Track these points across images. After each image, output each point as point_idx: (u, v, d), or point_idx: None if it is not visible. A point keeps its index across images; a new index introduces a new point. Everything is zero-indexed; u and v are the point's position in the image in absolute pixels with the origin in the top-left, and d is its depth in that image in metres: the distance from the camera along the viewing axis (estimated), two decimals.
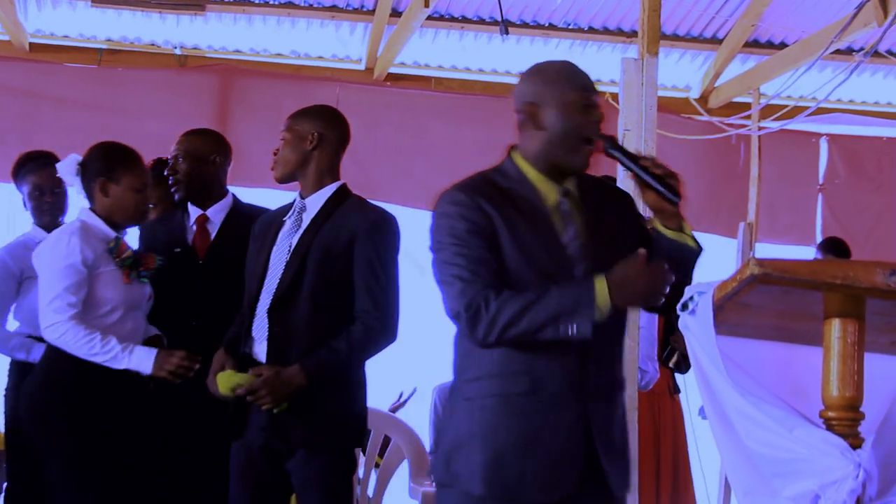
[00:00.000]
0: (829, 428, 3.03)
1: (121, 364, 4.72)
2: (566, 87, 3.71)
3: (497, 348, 3.50)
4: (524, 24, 8.95)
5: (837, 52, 8.02)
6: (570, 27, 9.01)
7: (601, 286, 3.38)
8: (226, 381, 4.43)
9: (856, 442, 3.00)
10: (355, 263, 4.50)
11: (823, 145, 10.02)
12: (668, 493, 6.73)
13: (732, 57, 9.21)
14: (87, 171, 4.95)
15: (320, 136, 4.57)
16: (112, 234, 4.86)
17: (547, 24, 8.98)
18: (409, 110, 9.30)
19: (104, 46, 9.03)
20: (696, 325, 3.14)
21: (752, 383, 3.13)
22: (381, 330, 4.56)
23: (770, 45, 9.26)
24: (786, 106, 8.50)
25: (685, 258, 3.63)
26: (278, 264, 4.52)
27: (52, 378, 4.80)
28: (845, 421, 3.04)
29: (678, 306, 3.22)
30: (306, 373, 4.39)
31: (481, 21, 8.90)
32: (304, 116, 4.64)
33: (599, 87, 9.36)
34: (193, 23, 8.90)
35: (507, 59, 9.36)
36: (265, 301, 4.50)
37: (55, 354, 4.78)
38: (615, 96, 5.48)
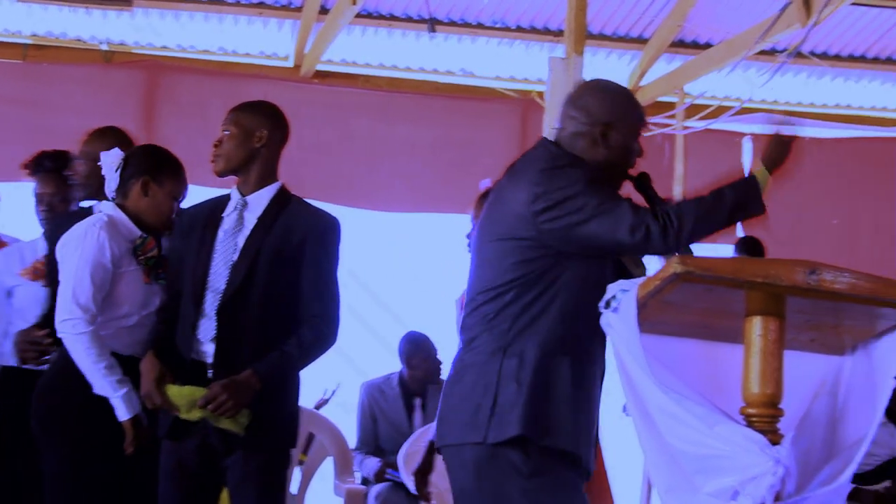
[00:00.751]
0: (750, 425, 3.07)
1: (103, 393, 4.63)
2: (636, 115, 3.91)
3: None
4: (452, 23, 8.96)
5: (761, 52, 8.11)
6: (498, 26, 9.03)
7: (760, 175, 3.84)
8: (182, 398, 4.34)
9: (775, 438, 3.04)
10: (304, 266, 4.45)
11: (747, 145, 10.09)
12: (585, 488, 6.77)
13: (658, 57, 9.27)
14: (132, 166, 4.83)
15: (269, 133, 4.50)
16: (138, 232, 4.77)
17: (475, 23, 8.99)
18: (337, 108, 9.28)
19: (30, 42, 8.95)
20: (619, 323, 3.16)
21: (674, 381, 3.16)
22: (329, 335, 4.53)
23: (695, 45, 9.33)
24: (710, 105, 8.57)
25: None
26: (223, 264, 4.44)
27: (69, 381, 4.73)
28: (765, 418, 3.08)
29: (601, 304, 3.25)
30: (259, 377, 4.33)
31: (409, 19, 8.90)
32: (251, 112, 4.56)
33: (528, 87, 9.45)
34: (120, 18, 8.83)
35: (435, 57, 9.37)
36: (212, 302, 4.42)
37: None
38: (542, 95, 5.52)
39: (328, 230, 4.54)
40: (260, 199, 4.51)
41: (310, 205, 4.62)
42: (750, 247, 8.61)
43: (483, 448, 3.61)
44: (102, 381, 4.58)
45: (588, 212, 3.58)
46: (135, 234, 4.74)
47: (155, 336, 4.56)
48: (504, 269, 3.65)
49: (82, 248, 4.66)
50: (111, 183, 4.85)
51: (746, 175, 3.78)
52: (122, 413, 4.59)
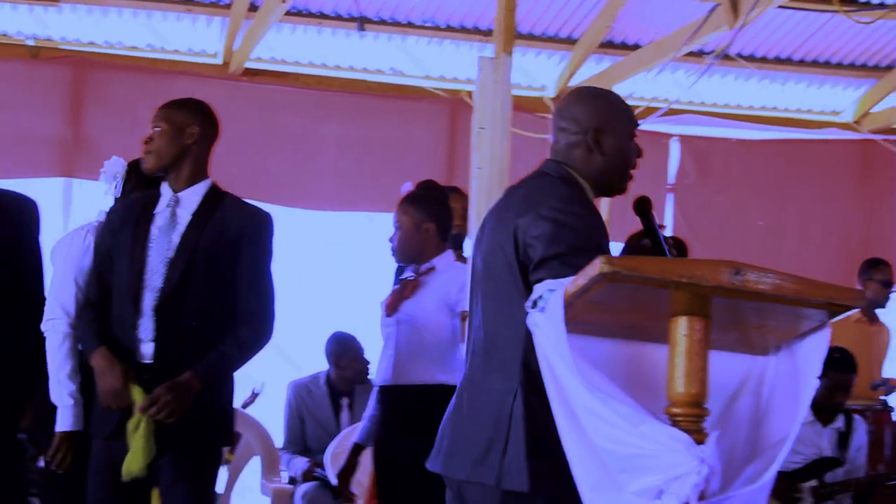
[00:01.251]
0: (675, 424, 3.08)
1: (54, 398, 4.64)
2: (627, 118, 3.89)
3: None
4: (382, 22, 8.96)
5: (690, 54, 8.17)
6: (428, 25, 9.03)
7: None
8: (142, 399, 4.31)
9: (700, 438, 3.05)
10: (241, 263, 4.46)
11: (674, 146, 10.17)
12: None
13: (587, 57, 9.31)
14: (135, 178, 4.88)
15: (200, 130, 4.50)
16: None
17: (405, 22, 9.00)
18: (266, 106, 9.26)
19: None
20: (545, 323, 3.16)
21: (600, 380, 3.16)
22: (266, 332, 4.55)
23: (624, 46, 9.38)
24: (638, 106, 8.60)
25: None
26: (159, 261, 4.41)
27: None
28: (690, 417, 3.09)
29: (528, 304, 3.26)
30: (200, 378, 4.33)
31: (339, 17, 8.88)
32: (182, 108, 4.55)
33: (457, 86, 9.47)
34: (47, 13, 8.76)
35: (365, 55, 9.37)
36: (150, 300, 4.39)
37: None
38: (471, 94, 5.52)
39: (262, 226, 4.55)
40: (192, 196, 4.50)
41: (242, 201, 4.63)
42: (673, 247, 8.66)
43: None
44: (58, 387, 4.62)
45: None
46: None
47: (99, 333, 4.49)
48: (514, 297, 3.61)
49: (68, 252, 4.75)
50: (114, 189, 4.91)
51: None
52: (63, 424, 4.60)
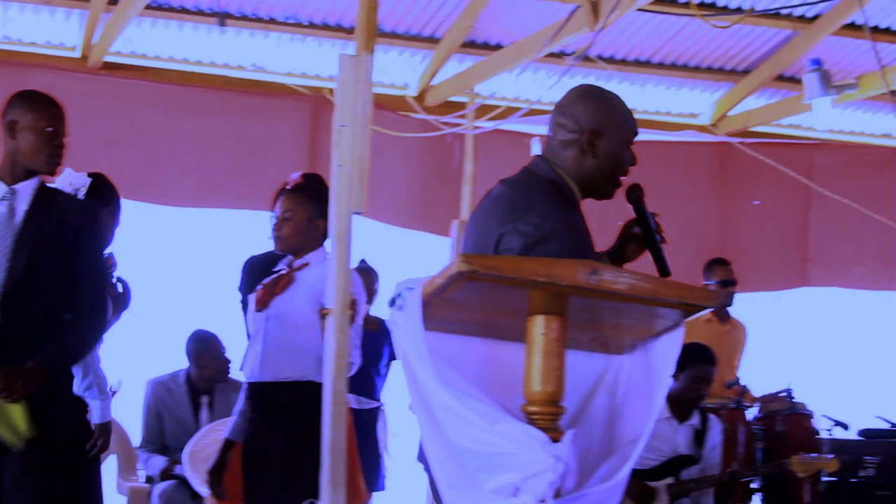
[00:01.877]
0: (531, 422, 3.10)
1: None
2: (627, 124, 3.87)
3: None
4: (244, 17, 8.89)
5: (551, 55, 8.23)
6: (290, 21, 8.98)
7: None
8: None
9: (556, 436, 3.08)
10: (80, 255, 4.47)
11: (535, 146, 10.23)
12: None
13: (449, 56, 9.33)
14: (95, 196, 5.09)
15: (13, 122, 4.49)
16: None
17: (267, 18, 8.94)
18: (125, 100, 9.12)
19: None
20: (403, 321, 3.17)
21: (457, 378, 3.18)
22: (104, 323, 4.60)
23: (486, 46, 9.42)
24: (500, 106, 8.67)
25: None
26: (1, 254, 4.39)
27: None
28: (546, 415, 3.12)
29: (388, 302, 3.26)
30: (44, 368, 4.31)
31: (200, 12, 8.78)
32: (7, 104, 4.56)
33: (319, 84, 9.41)
34: None
35: (226, 51, 9.28)
36: None
37: None
38: (333, 92, 5.50)
39: (98, 221, 4.63)
40: (27, 189, 4.50)
41: (73, 195, 4.74)
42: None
43: None
44: None
45: None
46: None
47: None
48: None
49: None
50: None
51: None
52: None
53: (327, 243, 5.55)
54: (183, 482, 7.23)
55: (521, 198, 3.68)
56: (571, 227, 3.68)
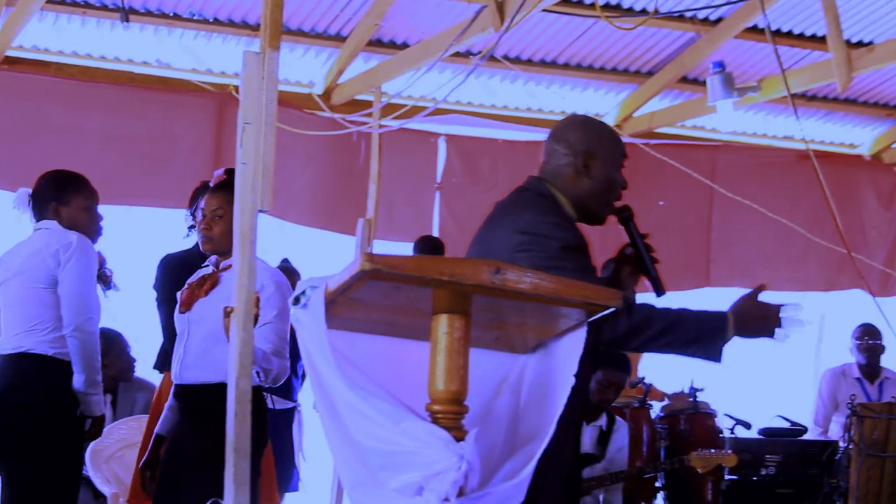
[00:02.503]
0: (435, 421, 3.10)
1: None
2: (617, 148, 4.18)
3: None
4: (148, 13, 8.80)
5: (457, 54, 8.24)
6: (195, 18, 8.92)
7: (731, 318, 3.99)
8: None
9: (459, 435, 3.08)
10: None
11: (442, 145, 10.26)
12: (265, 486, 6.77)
13: (356, 55, 9.31)
14: (37, 200, 5.72)
15: None
16: None
17: (171, 14, 8.86)
18: (27, 95, 9.00)
19: None
20: (307, 320, 3.16)
21: (361, 377, 3.18)
22: None
23: (392, 44, 9.41)
24: (406, 105, 8.66)
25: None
26: None
27: None
28: (450, 414, 3.12)
29: (289, 300, 3.25)
30: None
31: (104, 7, 8.69)
32: None
33: (224, 80, 9.33)
34: None
35: (131, 47, 9.19)
36: None
37: None
38: (238, 88, 5.46)
39: None
40: None
41: None
42: (427, 245, 8.77)
43: None
44: None
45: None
46: None
47: None
48: None
49: None
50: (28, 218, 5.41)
51: (720, 316, 4.01)
52: None
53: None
54: (86, 481, 7.15)
55: (515, 206, 4.08)
56: (565, 225, 4.02)
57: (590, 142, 4.12)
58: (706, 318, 4.01)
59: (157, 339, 6.88)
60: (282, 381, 5.64)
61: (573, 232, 4.02)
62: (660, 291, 4.20)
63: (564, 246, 3.90)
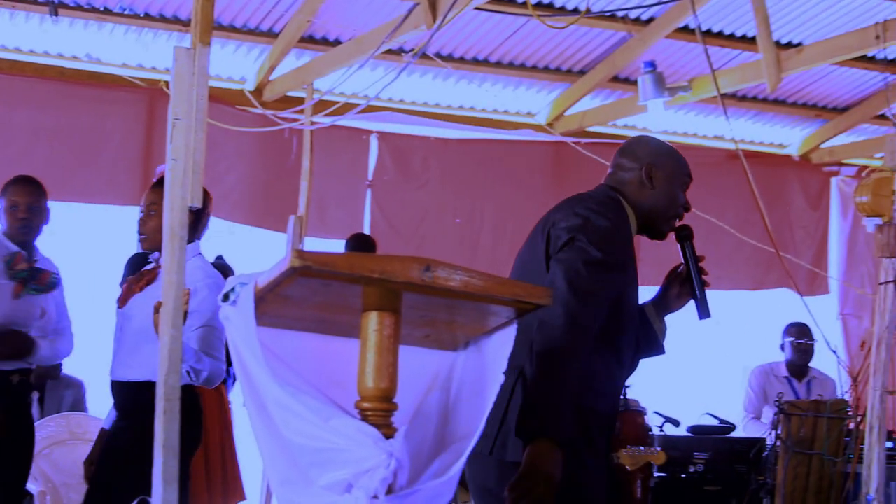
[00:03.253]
0: (364, 418, 3.10)
1: None
2: (681, 167, 4.32)
3: None
4: (78, 7, 8.73)
5: (389, 52, 8.23)
6: (126, 13, 8.85)
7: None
8: None
9: (389, 432, 3.09)
10: None
11: (373, 142, 10.25)
12: (219, 482, 6.75)
13: (287, 51, 9.28)
14: None
15: None
16: (13, 248, 4.82)
17: (102, 9, 8.79)
18: None
19: None
20: (236, 316, 3.15)
21: (290, 374, 3.17)
22: None
23: (325, 41, 9.40)
24: (338, 102, 8.64)
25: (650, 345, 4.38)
26: None
27: None
28: (379, 412, 3.12)
29: (219, 297, 3.24)
30: None
31: (33, 1, 8.60)
32: None
33: (155, 76, 9.27)
34: None
35: (60, 41, 9.12)
36: None
37: None
38: (169, 84, 5.43)
39: None
40: None
41: None
42: (362, 243, 8.76)
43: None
44: None
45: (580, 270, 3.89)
46: (10, 250, 4.82)
47: None
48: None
49: None
50: None
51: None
52: None
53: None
54: None
55: (578, 197, 4.26)
56: (624, 223, 4.18)
57: (655, 155, 4.28)
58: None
59: (92, 336, 6.82)
60: (217, 383, 5.62)
61: (620, 243, 4.10)
62: (704, 314, 4.34)
63: (600, 261, 3.94)
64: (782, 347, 9.62)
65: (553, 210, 4.22)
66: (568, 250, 3.95)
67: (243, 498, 7.16)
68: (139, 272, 5.67)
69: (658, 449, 7.40)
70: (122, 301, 5.61)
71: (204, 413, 6.17)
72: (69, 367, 7.95)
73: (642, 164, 4.26)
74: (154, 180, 5.65)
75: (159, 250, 5.56)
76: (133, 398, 5.47)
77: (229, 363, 7.05)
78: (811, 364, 9.63)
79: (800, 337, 9.45)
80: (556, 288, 3.78)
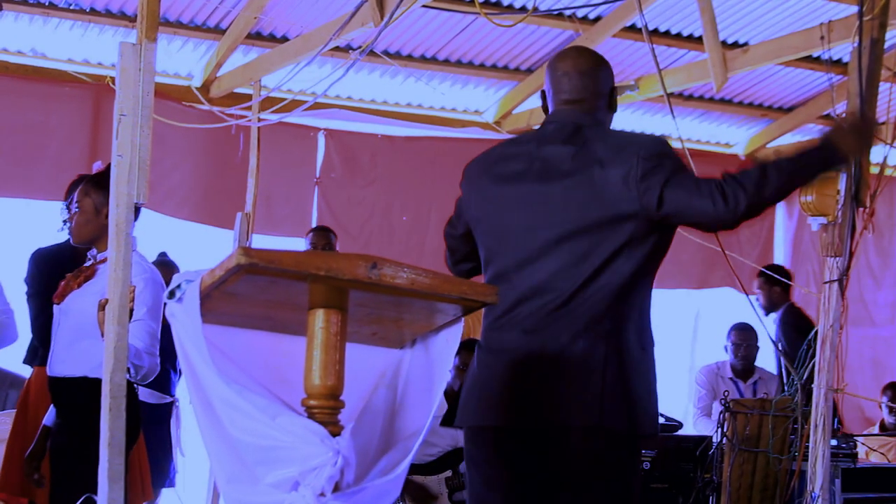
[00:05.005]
0: (311, 416, 3.09)
1: None
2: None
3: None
4: (23, 2, 8.67)
5: (337, 48, 8.22)
6: (72, 8, 8.80)
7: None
8: None
9: (335, 430, 3.08)
10: None
11: (321, 139, 10.24)
12: (138, 482, 6.71)
13: (235, 47, 9.26)
14: None
15: None
16: None
17: (47, 3, 8.73)
18: None
19: None
20: (182, 314, 3.14)
21: (236, 372, 3.16)
22: None
23: (272, 38, 9.38)
24: (285, 99, 8.62)
25: None
26: None
27: None
28: (326, 409, 3.11)
29: (164, 294, 3.22)
30: None
31: None
32: None
33: (101, 72, 9.21)
34: None
35: (5, 36, 9.05)
36: None
37: None
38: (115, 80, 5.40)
39: None
40: None
41: None
42: (322, 236, 8.75)
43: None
44: None
45: (684, 175, 3.92)
46: None
47: None
48: (601, 256, 3.90)
49: None
50: None
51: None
52: None
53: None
54: None
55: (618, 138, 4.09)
56: None
57: (611, 78, 4.33)
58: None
59: (28, 333, 6.79)
60: (151, 379, 5.60)
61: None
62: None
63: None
64: (726, 349, 9.67)
65: (586, 165, 3.98)
66: (679, 173, 3.94)
67: (151, 497, 7.12)
68: (78, 269, 5.64)
69: None
70: (60, 297, 5.59)
71: None
72: (15, 365, 7.90)
73: (609, 90, 4.27)
74: (89, 177, 5.61)
75: (87, 245, 5.56)
76: (70, 394, 5.45)
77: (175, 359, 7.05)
78: (757, 364, 9.67)
79: (741, 339, 9.48)
80: (709, 184, 3.88)
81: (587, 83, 4.19)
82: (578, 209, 3.93)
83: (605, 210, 3.90)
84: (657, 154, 3.91)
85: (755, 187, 3.88)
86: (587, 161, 3.96)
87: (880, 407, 10.19)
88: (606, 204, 3.90)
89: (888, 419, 10.04)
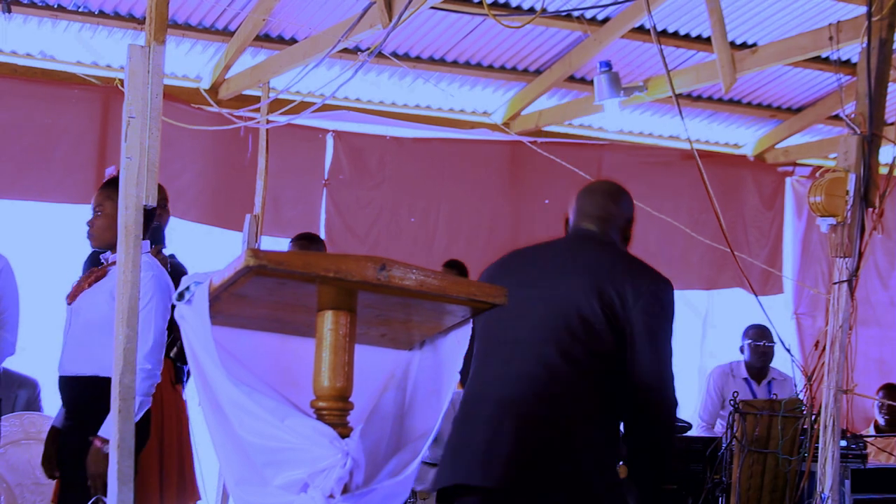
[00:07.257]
0: (320, 418, 3.10)
1: None
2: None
3: None
4: (31, 4, 8.67)
5: (345, 50, 8.22)
6: (81, 10, 8.80)
7: None
8: None
9: (344, 431, 3.08)
10: None
11: (329, 141, 10.23)
12: (174, 484, 6.72)
13: (243, 49, 9.26)
14: None
15: None
16: None
17: (56, 6, 8.74)
18: None
19: None
20: (191, 315, 3.14)
21: (245, 373, 3.16)
22: None
23: (281, 39, 9.37)
24: (294, 101, 8.62)
25: None
26: None
27: None
28: (335, 411, 3.12)
29: (174, 296, 3.22)
30: None
31: None
32: None
33: (110, 74, 9.21)
34: None
35: (14, 38, 9.05)
36: None
37: None
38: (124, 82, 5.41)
39: None
40: None
41: None
42: (309, 242, 8.74)
43: None
44: None
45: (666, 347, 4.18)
46: None
47: None
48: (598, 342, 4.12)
49: None
50: None
51: None
52: None
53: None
54: None
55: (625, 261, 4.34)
56: None
57: (631, 210, 4.59)
58: None
59: (46, 336, 6.78)
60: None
61: None
62: None
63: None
64: (741, 349, 9.63)
65: (592, 271, 4.26)
66: (660, 325, 4.20)
67: (199, 498, 7.13)
68: (90, 270, 5.66)
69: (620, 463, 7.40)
70: (72, 297, 5.60)
71: (163, 412, 6.15)
72: (24, 366, 7.91)
73: (628, 223, 4.55)
74: (105, 180, 5.61)
75: (103, 249, 5.57)
76: (79, 394, 5.45)
77: (185, 361, 7.06)
78: (772, 365, 9.64)
79: (758, 339, 9.44)
80: (662, 363, 4.18)
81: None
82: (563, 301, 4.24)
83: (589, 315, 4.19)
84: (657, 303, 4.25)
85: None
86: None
87: (875, 407, 10.19)
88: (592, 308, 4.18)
89: (881, 420, 10.03)
